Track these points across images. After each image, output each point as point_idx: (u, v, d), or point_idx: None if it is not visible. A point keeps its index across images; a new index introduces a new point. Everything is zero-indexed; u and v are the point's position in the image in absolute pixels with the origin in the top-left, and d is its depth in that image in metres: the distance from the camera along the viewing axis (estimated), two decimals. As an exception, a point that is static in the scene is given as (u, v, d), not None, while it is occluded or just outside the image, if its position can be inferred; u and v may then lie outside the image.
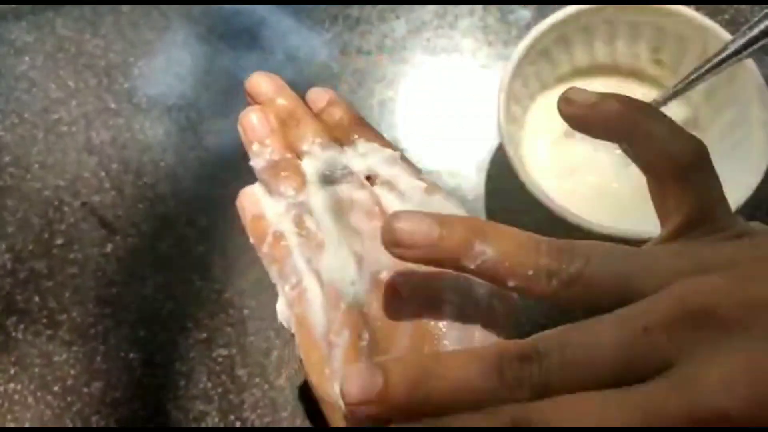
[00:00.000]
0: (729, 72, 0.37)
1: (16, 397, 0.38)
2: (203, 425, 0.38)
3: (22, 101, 0.46)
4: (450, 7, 0.48)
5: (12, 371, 0.39)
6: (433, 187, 0.27)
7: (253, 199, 0.28)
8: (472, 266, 0.20)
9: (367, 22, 0.47)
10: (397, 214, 0.21)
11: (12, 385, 0.39)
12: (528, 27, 0.46)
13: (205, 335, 0.39)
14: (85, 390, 0.39)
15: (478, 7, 0.48)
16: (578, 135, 0.40)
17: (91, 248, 0.42)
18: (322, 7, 0.48)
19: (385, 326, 0.23)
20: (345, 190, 0.27)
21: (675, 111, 0.41)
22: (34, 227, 0.43)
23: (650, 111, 0.22)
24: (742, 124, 0.38)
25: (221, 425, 0.38)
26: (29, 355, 0.39)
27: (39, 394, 0.39)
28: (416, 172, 0.28)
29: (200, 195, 0.43)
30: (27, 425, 0.38)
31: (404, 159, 0.28)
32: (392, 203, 0.27)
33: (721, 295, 0.18)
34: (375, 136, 0.29)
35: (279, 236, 0.26)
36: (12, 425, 0.38)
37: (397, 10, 0.48)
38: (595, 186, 0.40)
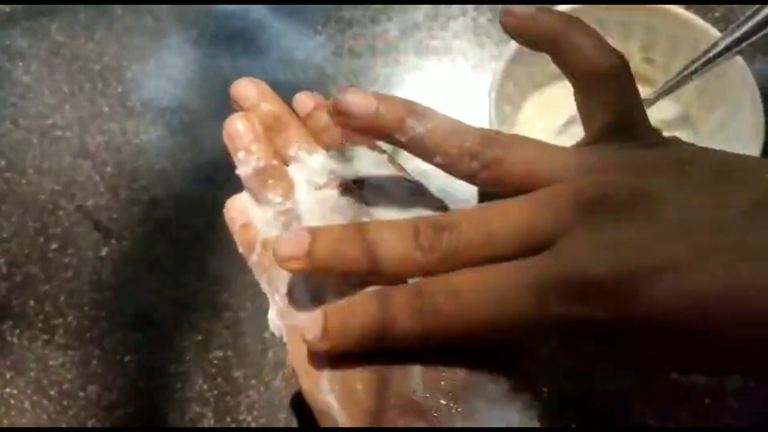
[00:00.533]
0: (720, 69, 0.38)
1: (12, 401, 0.38)
2: (199, 427, 0.38)
3: (17, 106, 0.46)
4: (442, 9, 0.48)
5: (8, 376, 0.39)
6: (421, 188, 0.27)
7: (240, 208, 0.28)
8: (403, 139, 0.23)
9: (360, 24, 0.48)
10: (344, 88, 0.24)
11: (8, 389, 0.39)
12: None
13: (200, 337, 0.39)
14: (81, 394, 0.39)
15: (470, 9, 0.48)
16: (569, 134, 0.40)
17: (86, 252, 0.42)
18: (315, 9, 0.48)
19: None
20: (333, 195, 0.26)
21: (667, 109, 0.41)
22: (29, 231, 0.43)
23: (579, 24, 0.24)
24: (734, 122, 0.38)
25: (217, 427, 0.38)
26: (25, 360, 0.39)
27: (35, 398, 0.39)
28: (404, 173, 0.28)
29: (195, 198, 0.43)
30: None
31: (392, 161, 0.28)
32: (380, 207, 0.26)
33: (613, 187, 0.20)
34: (362, 139, 0.28)
35: (267, 245, 0.26)
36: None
37: (390, 12, 0.48)
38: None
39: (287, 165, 0.28)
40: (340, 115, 0.24)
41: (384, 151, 0.28)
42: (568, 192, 0.20)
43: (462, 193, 0.42)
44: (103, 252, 0.42)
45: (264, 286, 0.26)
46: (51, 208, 0.43)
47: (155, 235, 0.42)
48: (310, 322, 0.22)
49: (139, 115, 0.46)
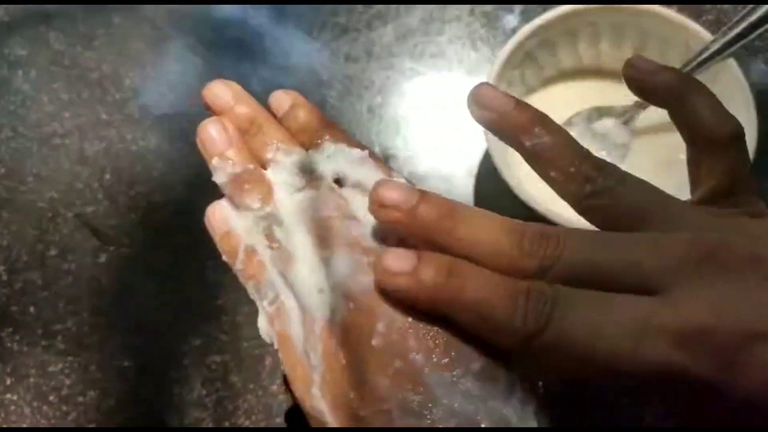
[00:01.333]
0: (712, 72, 0.38)
1: (12, 407, 0.39)
2: (200, 427, 0.38)
3: (16, 114, 0.47)
4: (437, 14, 0.48)
5: (8, 382, 0.39)
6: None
7: (220, 216, 0.27)
8: (528, 144, 0.23)
9: (356, 29, 0.48)
10: (493, 89, 0.24)
11: (8, 395, 0.39)
12: (514, 32, 0.47)
13: (199, 342, 0.40)
14: (81, 399, 0.39)
15: (465, 14, 0.48)
16: None
17: (84, 258, 0.42)
18: (311, 15, 0.48)
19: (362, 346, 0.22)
20: (310, 196, 0.26)
21: (661, 111, 0.41)
22: (28, 238, 0.43)
23: (699, 86, 0.24)
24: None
25: (217, 427, 0.38)
26: (25, 366, 0.40)
27: (35, 404, 0.39)
28: (387, 170, 0.27)
29: (192, 204, 0.43)
30: (23, 435, 0.38)
31: (374, 156, 0.27)
32: (363, 206, 0.25)
33: (726, 247, 0.20)
34: (342, 136, 0.27)
35: (251, 251, 0.25)
36: (8, 435, 0.38)
37: (385, 17, 0.48)
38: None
39: (265, 168, 0.27)
40: (477, 107, 0.24)
41: (365, 147, 0.27)
42: (685, 242, 0.20)
43: (462, 195, 0.43)
44: (102, 258, 0.42)
45: (251, 293, 0.26)
46: (50, 215, 0.43)
47: (154, 241, 0.43)
48: (399, 254, 0.21)
49: (138, 122, 0.46)
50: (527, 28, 0.39)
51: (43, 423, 0.38)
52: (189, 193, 0.44)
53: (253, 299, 0.26)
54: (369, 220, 0.24)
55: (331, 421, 0.22)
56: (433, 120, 0.46)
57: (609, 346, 0.19)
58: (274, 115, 0.29)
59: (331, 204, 0.25)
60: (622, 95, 0.41)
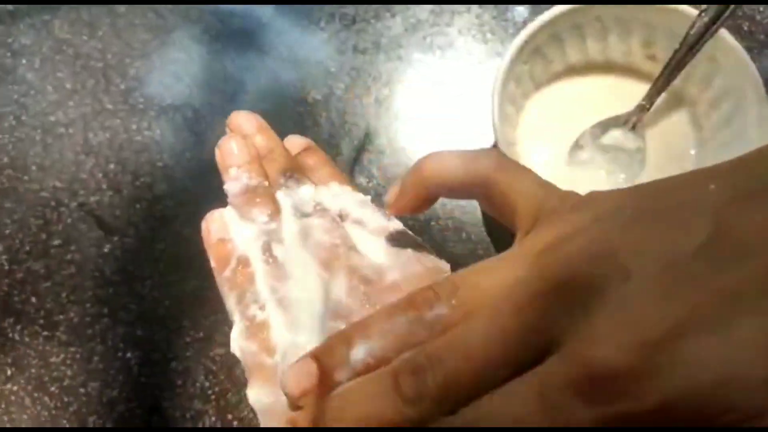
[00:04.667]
0: (724, 65, 0.38)
1: (13, 398, 0.38)
2: (201, 424, 0.37)
3: (20, 103, 0.46)
4: (446, 5, 0.48)
5: (9, 372, 0.39)
6: (402, 233, 0.28)
7: (220, 223, 0.28)
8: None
9: (364, 20, 0.47)
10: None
11: (9, 385, 0.39)
12: (525, 24, 0.46)
13: (202, 334, 0.39)
14: (83, 390, 0.38)
15: (474, 5, 0.48)
16: (581, 156, 0.40)
17: (88, 249, 0.42)
18: (318, 6, 0.48)
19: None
20: (317, 224, 0.27)
21: (671, 108, 0.41)
22: (31, 228, 0.43)
23: (432, 159, 0.23)
24: (738, 117, 0.37)
25: (219, 424, 0.37)
26: (26, 356, 0.39)
27: (36, 394, 0.38)
28: (385, 216, 0.29)
29: (197, 195, 0.43)
30: (24, 426, 0.38)
31: (374, 203, 0.29)
32: (362, 240, 0.27)
33: (570, 264, 0.18)
34: (347, 181, 0.30)
35: (244, 261, 0.26)
36: (9, 426, 0.38)
37: (393, 8, 0.48)
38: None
39: (276, 190, 0.28)
40: None
41: (364, 197, 0.29)
42: (536, 291, 0.18)
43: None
44: (106, 249, 0.42)
45: (230, 304, 0.26)
46: (53, 205, 0.43)
47: (158, 231, 0.42)
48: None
49: (142, 112, 0.46)
50: (534, 24, 0.38)
51: (44, 414, 0.38)
52: (193, 184, 0.43)
53: (230, 310, 0.26)
54: (366, 253, 0.27)
55: None
56: (442, 112, 0.45)
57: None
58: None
59: (336, 233, 0.27)
60: (629, 90, 0.41)
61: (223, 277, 0.27)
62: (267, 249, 0.26)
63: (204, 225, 0.28)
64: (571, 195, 0.22)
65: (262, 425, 0.23)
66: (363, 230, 0.28)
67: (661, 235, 0.17)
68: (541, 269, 0.19)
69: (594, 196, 0.20)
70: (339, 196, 0.29)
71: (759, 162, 0.18)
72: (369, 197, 0.29)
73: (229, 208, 0.28)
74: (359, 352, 0.20)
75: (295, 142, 0.32)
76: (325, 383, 0.20)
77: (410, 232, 0.28)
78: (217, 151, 0.29)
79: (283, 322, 0.24)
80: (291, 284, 0.25)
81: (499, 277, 0.20)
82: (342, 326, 0.24)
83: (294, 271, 0.25)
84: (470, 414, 0.18)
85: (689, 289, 0.16)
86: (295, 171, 0.29)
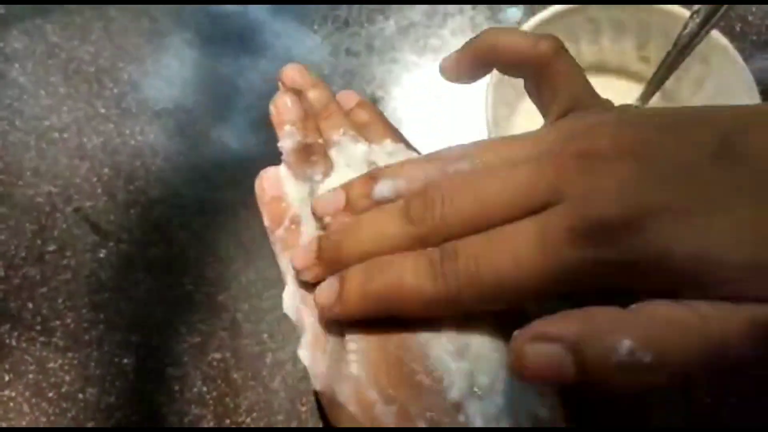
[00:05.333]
0: (717, 66, 0.38)
1: (11, 404, 0.38)
2: (199, 428, 0.38)
3: (13, 108, 0.46)
4: (439, 7, 0.48)
5: (6, 378, 0.39)
6: None
7: (275, 180, 0.27)
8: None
9: (356, 23, 0.47)
10: None
11: (6, 392, 0.39)
12: (518, 25, 0.46)
13: (198, 339, 0.39)
14: (80, 396, 0.39)
15: (468, 6, 0.48)
16: None
17: (83, 254, 0.42)
18: (311, 8, 0.48)
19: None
20: None
21: (663, 98, 0.41)
22: (26, 234, 0.43)
23: (500, 31, 0.25)
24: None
25: (216, 427, 0.38)
26: (23, 362, 0.39)
27: (34, 401, 0.39)
28: None
29: (192, 199, 0.43)
30: None
31: None
32: None
33: (599, 137, 0.20)
34: (401, 138, 0.29)
35: (297, 221, 0.26)
36: (7, 433, 0.38)
37: (386, 10, 0.48)
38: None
39: (330, 149, 0.28)
40: None
41: (420, 153, 0.28)
42: (554, 153, 0.21)
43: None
44: (101, 254, 0.42)
45: (282, 265, 0.26)
46: (48, 211, 0.43)
47: (153, 236, 0.42)
48: (324, 286, 0.22)
49: (136, 116, 0.45)
50: (527, 25, 0.38)
51: (42, 420, 0.38)
52: (188, 188, 0.43)
53: (282, 271, 0.26)
54: None
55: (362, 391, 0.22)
56: (436, 114, 0.45)
57: (522, 270, 0.19)
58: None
59: None
60: (622, 91, 0.41)
61: (276, 236, 0.26)
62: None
63: (258, 182, 0.27)
64: (608, 101, 0.24)
65: (313, 384, 0.24)
66: None
67: (676, 138, 0.19)
68: (563, 134, 0.21)
69: (627, 107, 0.23)
70: (393, 154, 0.28)
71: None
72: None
73: (283, 165, 0.28)
74: (384, 188, 0.23)
75: (349, 97, 0.31)
76: (349, 209, 0.24)
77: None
78: (271, 107, 0.28)
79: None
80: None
81: (524, 139, 0.22)
82: None
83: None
84: (473, 239, 0.20)
85: (690, 179, 0.19)
86: (349, 128, 0.28)
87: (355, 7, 0.48)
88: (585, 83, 0.24)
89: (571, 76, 0.24)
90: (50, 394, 0.39)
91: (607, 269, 0.19)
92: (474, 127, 0.44)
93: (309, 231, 0.26)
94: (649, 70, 0.39)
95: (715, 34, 0.37)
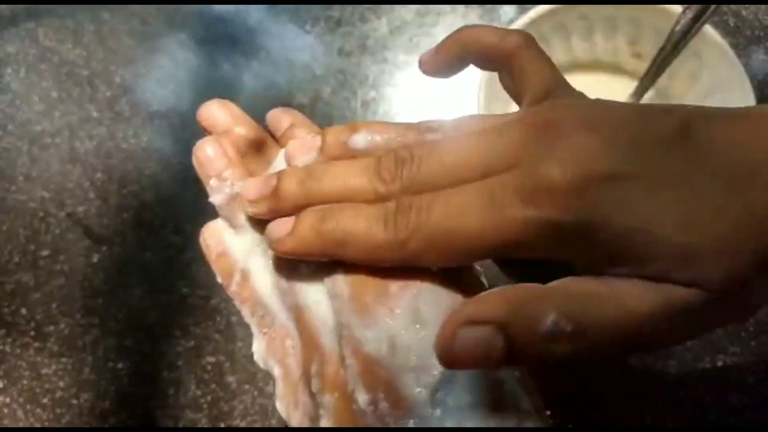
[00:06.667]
0: (711, 61, 0.37)
1: (5, 410, 0.38)
2: (198, 427, 0.37)
3: (5, 113, 0.46)
4: (432, 6, 0.47)
5: (1, 384, 0.39)
6: None
7: (216, 236, 0.26)
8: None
9: (349, 23, 0.47)
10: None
11: (1, 398, 0.39)
12: (511, 24, 0.46)
13: (192, 343, 0.39)
14: (74, 402, 0.38)
15: (460, 6, 0.47)
16: None
17: (77, 259, 0.42)
18: (303, 9, 0.48)
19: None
20: None
21: (657, 94, 0.41)
22: (19, 239, 0.42)
23: (473, 27, 0.26)
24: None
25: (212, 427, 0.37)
26: (17, 368, 0.39)
27: (28, 407, 0.38)
28: None
29: (185, 202, 0.43)
30: (17, 438, 0.38)
31: None
32: None
33: (557, 111, 0.21)
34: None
35: (246, 274, 0.25)
36: (2, 439, 0.38)
37: (379, 10, 0.47)
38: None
39: None
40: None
41: None
42: (519, 121, 0.21)
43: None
44: (95, 258, 0.42)
45: (246, 317, 0.25)
46: (41, 216, 0.43)
47: (146, 240, 0.42)
48: (278, 221, 0.22)
49: (128, 119, 0.45)
50: (519, 23, 0.38)
51: (37, 426, 0.38)
52: (181, 192, 0.43)
53: (248, 323, 0.25)
54: None
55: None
56: (428, 113, 0.45)
57: (470, 225, 0.20)
58: (273, 135, 0.28)
59: None
60: (617, 88, 0.41)
61: (231, 292, 0.25)
62: (266, 254, 0.24)
63: (201, 240, 0.27)
64: (581, 93, 0.24)
65: None
66: None
67: (639, 119, 0.20)
68: (533, 111, 0.22)
69: (599, 100, 0.23)
70: None
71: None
72: None
73: (220, 219, 0.26)
74: (360, 139, 0.23)
75: (280, 119, 0.29)
76: (322, 153, 0.24)
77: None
78: (193, 159, 0.27)
79: (297, 337, 0.23)
80: (301, 285, 0.23)
81: (497, 115, 0.23)
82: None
83: (302, 270, 0.24)
84: (429, 195, 0.21)
85: (643, 155, 0.19)
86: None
87: (348, 6, 0.47)
88: (556, 75, 0.24)
89: (541, 67, 0.24)
90: (44, 400, 0.39)
91: (548, 231, 0.19)
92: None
93: (261, 281, 0.25)
94: (641, 67, 0.38)
95: (708, 29, 0.36)
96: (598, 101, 0.22)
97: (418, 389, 0.20)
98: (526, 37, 0.25)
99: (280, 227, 0.22)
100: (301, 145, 0.24)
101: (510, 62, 0.25)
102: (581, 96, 0.24)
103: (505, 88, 0.26)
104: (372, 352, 0.21)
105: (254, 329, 0.25)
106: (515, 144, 0.21)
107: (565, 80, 0.25)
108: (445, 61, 0.27)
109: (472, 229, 0.20)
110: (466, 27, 0.26)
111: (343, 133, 0.24)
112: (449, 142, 0.22)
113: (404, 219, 0.21)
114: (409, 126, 0.24)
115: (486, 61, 0.26)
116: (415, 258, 0.21)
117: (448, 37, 0.26)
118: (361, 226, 0.21)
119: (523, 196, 0.19)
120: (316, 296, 0.23)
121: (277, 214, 0.23)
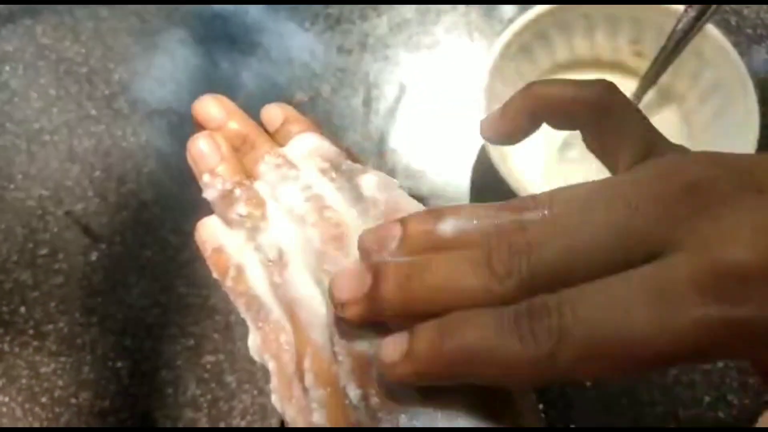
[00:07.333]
0: (712, 60, 0.37)
1: (4, 409, 0.38)
2: (196, 428, 0.37)
3: (4, 111, 0.46)
4: (432, 4, 0.47)
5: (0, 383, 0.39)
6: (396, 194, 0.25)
7: (211, 232, 0.26)
8: None
9: (349, 20, 0.47)
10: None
11: (0, 397, 0.38)
12: (511, 22, 0.46)
13: (192, 342, 0.39)
14: (73, 401, 0.38)
15: (461, 4, 0.47)
16: (570, 154, 0.40)
17: (75, 257, 0.42)
18: (303, 7, 0.47)
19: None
20: (306, 209, 0.25)
21: (661, 104, 0.40)
22: (18, 238, 0.42)
23: (544, 83, 0.22)
24: (728, 112, 0.37)
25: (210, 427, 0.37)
26: (16, 367, 0.39)
27: (27, 406, 0.38)
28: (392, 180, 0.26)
29: (183, 201, 0.43)
30: (15, 438, 0.38)
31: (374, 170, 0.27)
32: (353, 218, 0.24)
33: (696, 169, 0.17)
34: (340, 147, 0.27)
35: (241, 269, 0.25)
36: (0, 438, 0.38)
37: (379, 8, 0.47)
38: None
39: (259, 183, 0.26)
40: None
41: (364, 162, 0.27)
42: (649, 187, 0.17)
43: (457, 187, 0.42)
44: (93, 257, 0.42)
45: (242, 312, 0.25)
46: (40, 214, 0.43)
47: (145, 238, 0.42)
48: (389, 341, 0.19)
49: (127, 117, 0.45)
50: (520, 22, 0.38)
51: (36, 425, 0.38)
52: (179, 190, 0.43)
53: (243, 317, 0.25)
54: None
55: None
56: (429, 112, 0.45)
57: (635, 330, 0.16)
58: (266, 130, 0.28)
59: (323, 218, 0.24)
60: (621, 86, 0.40)
61: (227, 287, 0.25)
62: (260, 250, 0.24)
63: (196, 236, 0.26)
64: (682, 147, 0.20)
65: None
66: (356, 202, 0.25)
67: None
68: (659, 171, 0.17)
69: (713, 152, 0.19)
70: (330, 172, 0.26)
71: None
72: (359, 165, 0.26)
73: (214, 215, 0.26)
74: (446, 228, 0.19)
75: (274, 114, 0.28)
76: (405, 247, 0.20)
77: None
78: (187, 155, 0.26)
79: (290, 328, 0.23)
80: (291, 277, 0.23)
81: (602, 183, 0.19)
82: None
83: (291, 264, 0.24)
84: (567, 293, 0.17)
85: None
86: (275, 156, 0.26)
87: (348, 4, 0.47)
88: (651, 125, 0.21)
89: (634, 117, 0.20)
90: (43, 399, 0.38)
91: (743, 331, 0.15)
92: (470, 123, 0.43)
93: (255, 276, 0.24)
94: (643, 65, 0.38)
95: (710, 28, 0.36)
96: (715, 152, 0.18)
97: None
98: (608, 85, 0.21)
99: (393, 347, 0.19)
100: (378, 237, 0.20)
101: (599, 113, 0.21)
102: (683, 148, 0.20)
103: (589, 146, 0.22)
104: (364, 350, 0.21)
105: (249, 324, 0.24)
106: (660, 218, 0.17)
107: (658, 131, 0.21)
108: (514, 124, 0.23)
109: (636, 333, 0.16)
110: (534, 83, 0.22)
111: (428, 222, 0.20)
112: (567, 219, 0.18)
113: (543, 325, 0.17)
114: (501, 206, 0.19)
115: (564, 119, 0.22)
116: (563, 373, 0.17)
117: (513, 98, 0.22)
118: (491, 342, 0.17)
119: (704, 289, 0.15)
120: (309, 291, 0.23)
121: (371, 322, 0.20)
